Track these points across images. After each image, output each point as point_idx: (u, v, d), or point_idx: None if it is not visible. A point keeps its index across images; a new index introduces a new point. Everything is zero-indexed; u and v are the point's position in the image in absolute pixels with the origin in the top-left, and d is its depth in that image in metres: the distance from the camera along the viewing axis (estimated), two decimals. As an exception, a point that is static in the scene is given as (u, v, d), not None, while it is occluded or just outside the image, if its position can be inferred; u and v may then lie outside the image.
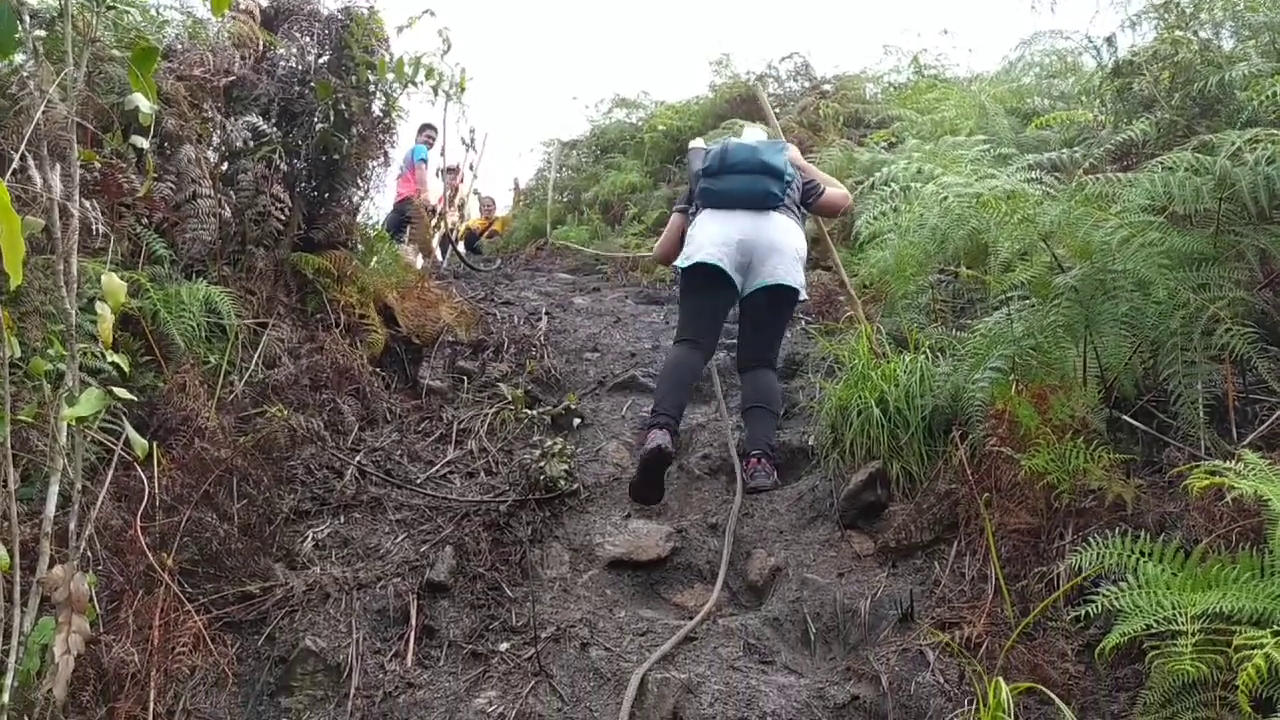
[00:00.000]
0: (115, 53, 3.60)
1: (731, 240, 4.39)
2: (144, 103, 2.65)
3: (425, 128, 11.33)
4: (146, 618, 2.95)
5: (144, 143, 2.75)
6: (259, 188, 4.82)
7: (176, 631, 2.98)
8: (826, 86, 10.91)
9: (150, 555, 3.07)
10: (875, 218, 3.19)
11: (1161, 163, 2.92)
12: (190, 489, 3.52)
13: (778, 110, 10.91)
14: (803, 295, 4.45)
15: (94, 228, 2.67)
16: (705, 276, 4.41)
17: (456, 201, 11.35)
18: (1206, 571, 2.30)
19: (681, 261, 4.53)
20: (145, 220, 4.27)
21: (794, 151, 4.98)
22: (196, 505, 3.46)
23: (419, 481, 4.39)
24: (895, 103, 8.78)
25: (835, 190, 4.95)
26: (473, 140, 10.62)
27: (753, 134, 4.98)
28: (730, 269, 4.37)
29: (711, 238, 4.44)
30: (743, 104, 11.08)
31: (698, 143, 4.93)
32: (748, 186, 4.46)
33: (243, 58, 4.88)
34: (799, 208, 4.70)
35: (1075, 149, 3.94)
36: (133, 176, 4.04)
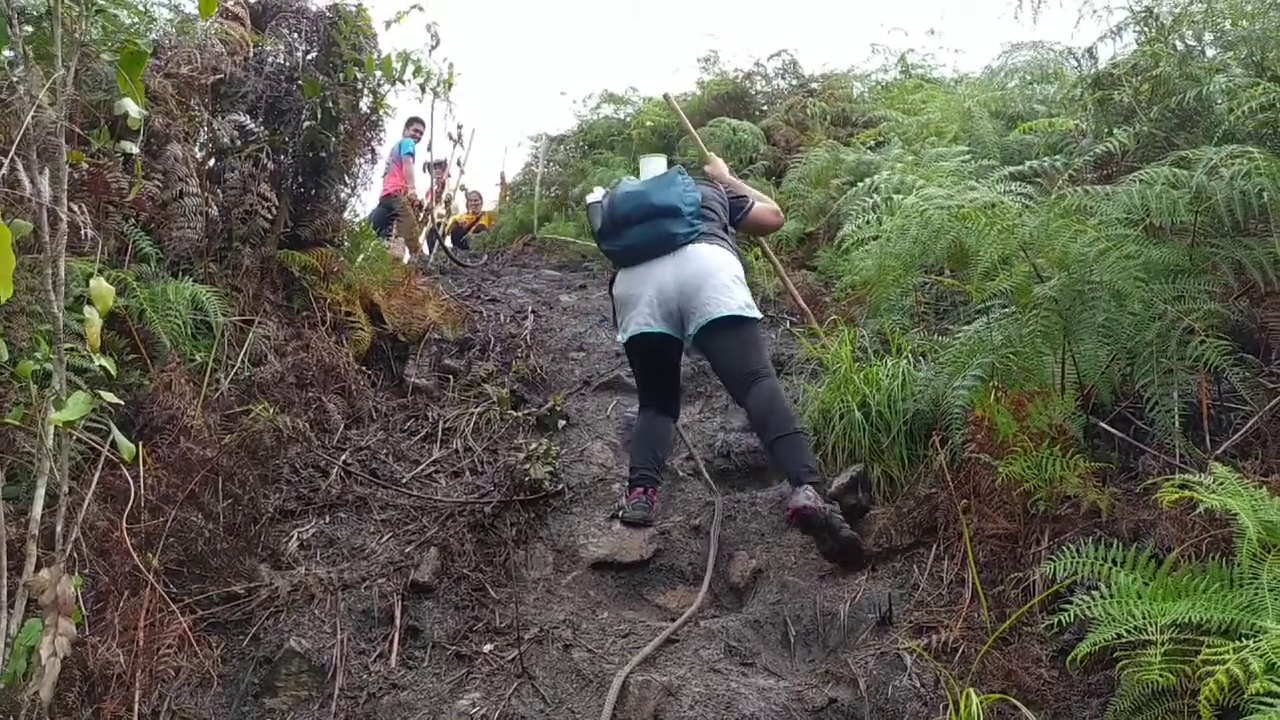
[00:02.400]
0: (105, 56, 3.59)
1: (651, 297, 4.03)
2: (133, 107, 2.67)
3: (412, 122, 11.32)
4: (132, 619, 2.97)
5: (133, 147, 2.76)
6: (246, 186, 4.82)
7: (161, 632, 3.01)
8: (814, 85, 10.93)
9: (136, 556, 3.09)
10: (859, 226, 3.23)
11: (1140, 176, 2.97)
12: (176, 489, 3.54)
13: (765, 107, 10.97)
14: (749, 314, 3.92)
15: (83, 230, 2.67)
16: (638, 345, 4.13)
17: (443, 197, 11.33)
18: (1177, 581, 2.35)
19: (619, 337, 4.23)
20: (132, 218, 4.27)
21: (718, 167, 4.77)
22: (182, 505, 3.48)
23: (404, 481, 4.41)
24: (882, 102, 8.81)
25: (764, 206, 4.61)
26: (460, 135, 10.62)
27: (652, 167, 4.46)
28: (661, 326, 4.03)
29: (632, 301, 4.10)
30: (730, 101, 11.10)
31: (595, 195, 4.44)
32: (646, 236, 4.06)
33: (230, 56, 4.86)
34: (725, 229, 4.28)
35: (1057, 156, 3.98)
36: (120, 175, 4.04)
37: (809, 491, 3.51)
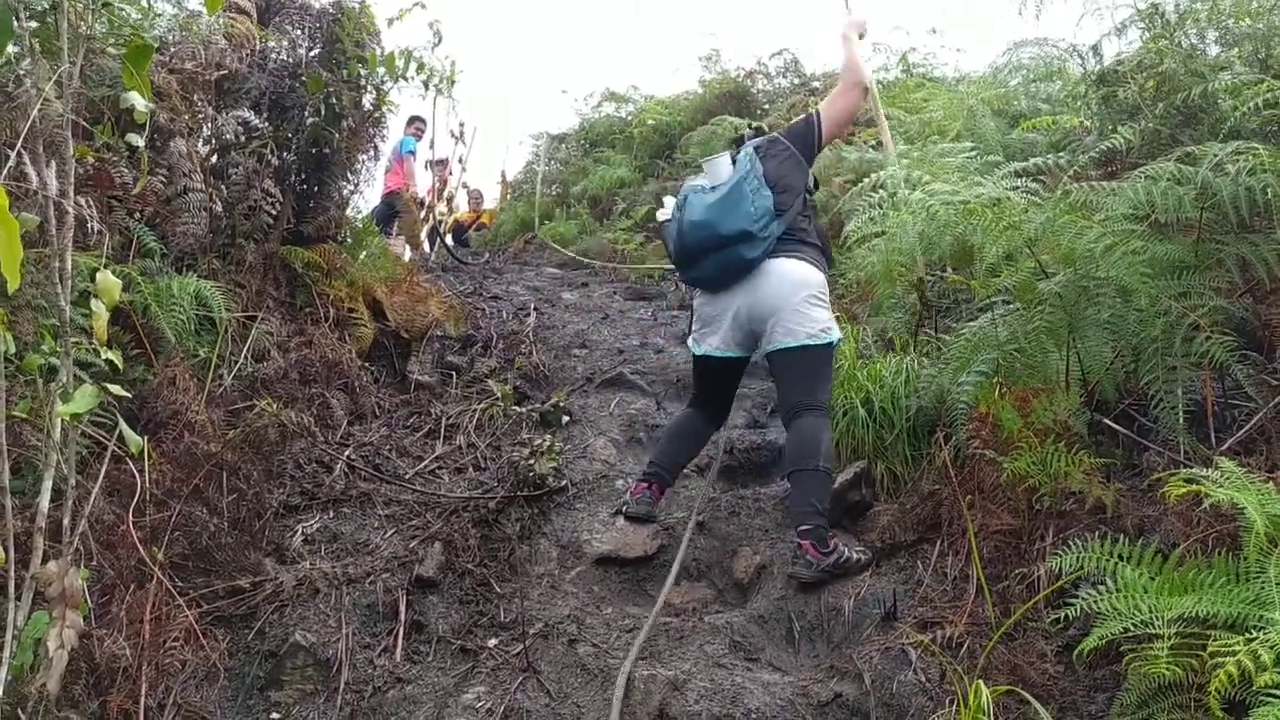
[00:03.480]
0: (111, 50, 3.59)
1: (728, 323, 3.88)
2: (139, 101, 2.67)
3: (414, 120, 11.32)
4: (138, 612, 2.97)
5: (139, 141, 2.76)
6: (250, 181, 4.82)
7: (167, 625, 3.01)
8: (816, 83, 10.95)
9: (142, 550, 3.09)
10: (864, 223, 3.23)
11: (1145, 172, 2.97)
12: (180, 483, 3.54)
13: (766, 106, 10.97)
14: (818, 341, 3.70)
15: (89, 224, 2.68)
16: (707, 362, 4.04)
17: (445, 194, 11.34)
18: (1183, 576, 2.35)
19: (691, 345, 4.11)
20: (136, 214, 4.28)
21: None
22: (187, 500, 3.48)
23: (408, 477, 4.41)
24: (884, 101, 8.80)
25: (831, 100, 4.07)
26: (461, 133, 10.62)
27: (717, 171, 4.04)
28: (734, 350, 3.93)
29: (710, 323, 3.96)
30: (732, 99, 11.11)
31: (665, 211, 4.19)
32: (720, 267, 3.84)
33: (235, 51, 4.87)
34: (801, 208, 3.90)
35: (1061, 154, 3.98)
36: (124, 170, 4.05)
37: (808, 556, 3.47)
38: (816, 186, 4.20)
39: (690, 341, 4.12)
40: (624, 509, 4.02)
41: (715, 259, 3.83)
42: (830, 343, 3.74)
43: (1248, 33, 3.66)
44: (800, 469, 3.61)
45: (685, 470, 4.50)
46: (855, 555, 3.51)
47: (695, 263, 3.91)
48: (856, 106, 4.16)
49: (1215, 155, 2.83)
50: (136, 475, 3.23)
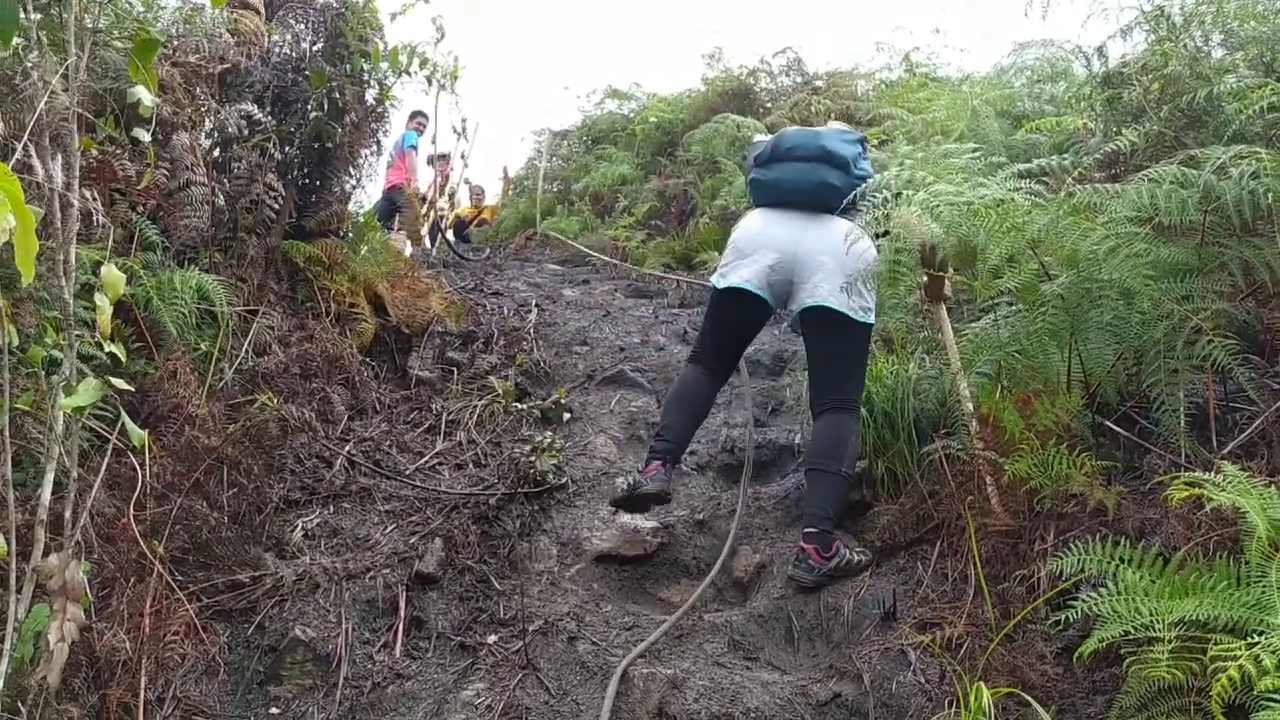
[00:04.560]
0: (117, 44, 3.59)
1: (768, 253, 3.69)
2: (146, 95, 2.66)
3: (416, 114, 11.31)
4: (138, 605, 2.97)
5: (145, 135, 2.76)
6: (252, 175, 4.82)
7: (167, 619, 3.01)
8: (819, 82, 10.95)
9: (142, 543, 3.09)
10: (867, 223, 3.23)
11: (1149, 175, 2.97)
12: (181, 477, 3.55)
13: (769, 104, 10.97)
14: (861, 319, 3.60)
15: (94, 217, 2.68)
16: (733, 299, 3.79)
17: (447, 190, 11.34)
18: (1184, 579, 2.35)
19: (716, 279, 3.91)
20: (139, 207, 4.28)
21: None
22: (187, 493, 3.48)
23: (408, 473, 4.41)
24: (887, 100, 8.81)
25: None
26: (464, 129, 10.61)
27: (836, 125, 4.02)
28: (762, 289, 3.70)
29: (747, 251, 3.76)
30: (735, 98, 11.11)
31: (761, 135, 4.01)
32: (800, 176, 3.63)
33: (239, 46, 4.86)
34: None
35: (1065, 156, 3.97)
36: (127, 163, 4.05)
37: (811, 560, 3.41)
38: None
39: (715, 276, 3.89)
40: (636, 487, 3.67)
41: (798, 168, 3.66)
42: (870, 324, 3.66)
43: (1253, 36, 3.66)
44: (820, 469, 3.54)
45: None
46: (856, 557, 3.51)
47: (776, 165, 3.73)
48: None
49: (1218, 159, 2.83)
50: (137, 469, 3.23)
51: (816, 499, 3.52)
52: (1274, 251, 3.03)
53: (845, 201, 3.58)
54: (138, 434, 2.58)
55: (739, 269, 3.74)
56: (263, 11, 5.14)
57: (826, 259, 3.58)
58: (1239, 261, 3.09)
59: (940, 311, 3.70)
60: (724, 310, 3.87)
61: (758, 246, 3.72)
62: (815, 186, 3.63)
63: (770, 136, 3.97)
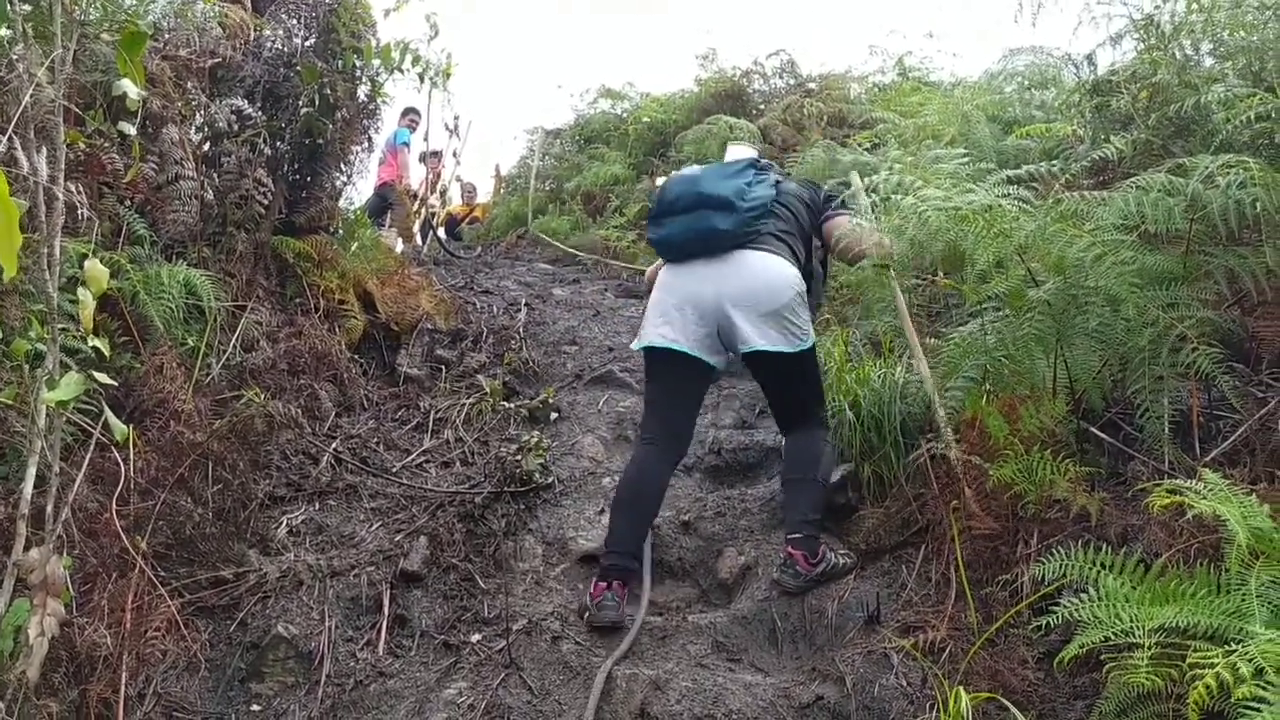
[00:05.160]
0: (105, 37, 3.58)
1: (683, 306, 3.49)
2: (132, 88, 2.66)
3: (408, 111, 11.29)
4: (119, 601, 2.96)
5: (131, 129, 2.75)
6: (242, 170, 4.81)
7: (149, 615, 3.00)
8: (811, 85, 10.96)
9: (125, 538, 3.08)
10: (854, 227, 3.23)
11: (1136, 183, 2.98)
12: (165, 472, 3.53)
13: (762, 106, 10.98)
14: (807, 345, 3.49)
15: (79, 211, 2.67)
16: (663, 360, 3.55)
17: (438, 187, 11.32)
18: (1165, 586, 2.36)
19: (635, 343, 3.71)
20: (126, 201, 4.26)
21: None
22: (171, 489, 3.47)
23: (395, 470, 4.41)
24: (879, 104, 8.83)
25: (860, 225, 3.65)
26: (456, 126, 10.59)
27: (736, 153, 3.93)
28: (688, 346, 3.47)
29: (660, 305, 3.56)
30: (728, 99, 11.12)
31: (661, 179, 3.88)
32: (687, 230, 3.49)
33: (229, 40, 4.85)
34: (806, 238, 3.71)
35: (1054, 162, 3.98)
36: (115, 156, 4.03)
37: (797, 567, 3.38)
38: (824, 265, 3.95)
39: (635, 341, 3.68)
40: (585, 614, 3.38)
41: (684, 221, 3.51)
42: (811, 344, 3.56)
43: (1242, 45, 3.67)
44: (797, 478, 3.55)
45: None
46: (841, 560, 3.51)
47: (662, 221, 3.59)
48: (859, 256, 3.75)
49: (1206, 168, 2.84)
50: (121, 464, 3.22)
51: (798, 505, 3.51)
52: (1258, 260, 3.04)
53: (743, 230, 3.47)
54: (120, 429, 2.57)
55: (659, 327, 3.52)
56: (249, 5, 5.11)
57: (744, 303, 3.42)
58: (1224, 270, 3.10)
59: (903, 312, 3.68)
60: (657, 374, 3.65)
61: (674, 304, 3.52)
62: (703, 235, 3.48)
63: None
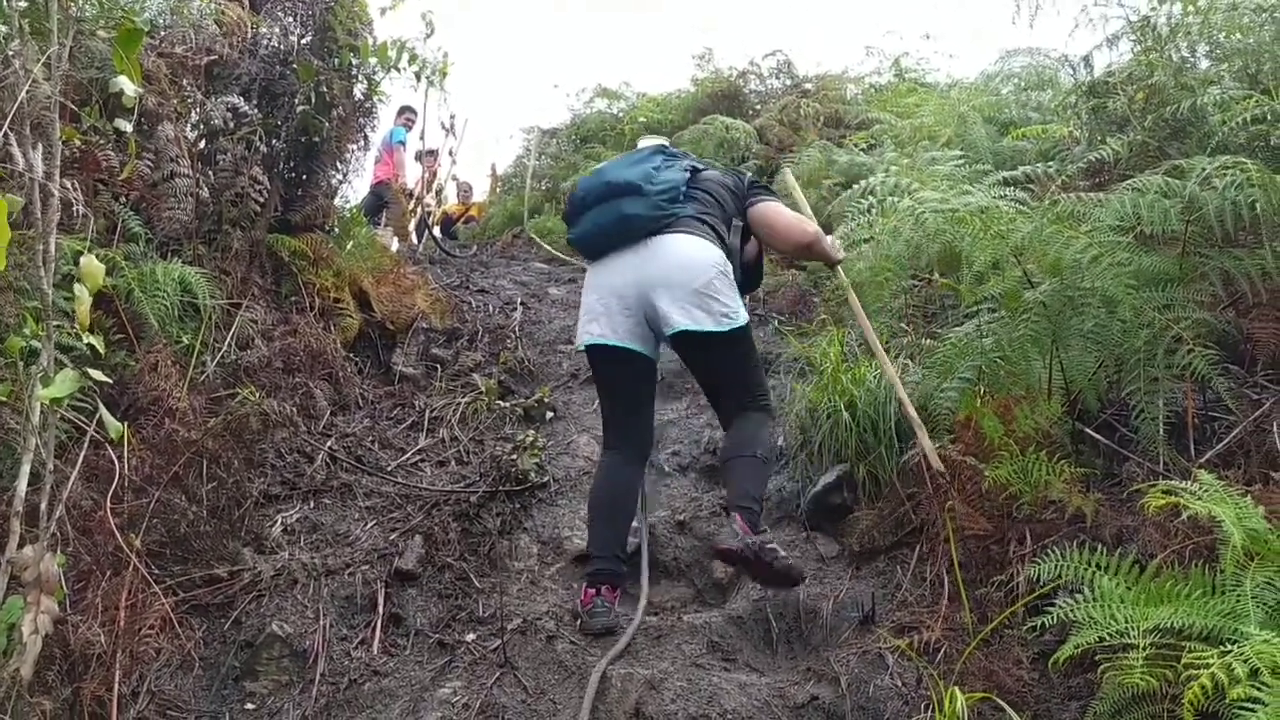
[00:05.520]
0: (101, 34, 3.57)
1: (607, 300, 3.41)
2: (129, 86, 2.65)
3: (404, 110, 11.26)
4: (113, 599, 2.95)
5: (127, 125, 2.74)
6: (238, 168, 4.79)
7: (143, 613, 2.98)
8: (808, 85, 10.95)
9: (119, 536, 3.06)
10: (853, 229, 3.22)
11: (1132, 185, 2.99)
12: (160, 470, 3.52)
13: (759, 106, 10.98)
14: (737, 323, 3.32)
15: (74, 208, 2.66)
16: (602, 358, 3.49)
17: (434, 186, 11.30)
18: (1160, 587, 2.36)
19: (576, 343, 3.73)
20: (122, 198, 4.24)
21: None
22: (166, 487, 3.45)
23: (390, 469, 4.40)
24: (876, 105, 8.85)
25: (786, 210, 3.65)
26: (452, 126, 10.57)
27: (645, 143, 3.84)
28: (620, 339, 3.38)
29: (587, 305, 3.50)
30: (724, 99, 11.11)
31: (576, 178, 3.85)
32: (600, 222, 3.43)
33: (225, 37, 4.84)
34: (727, 221, 3.56)
35: (1050, 163, 4.00)
36: (111, 153, 4.02)
37: (737, 525, 3.17)
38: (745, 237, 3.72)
39: (576, 341, 3.61)
40: (580, 625, 3.34)
41: (596, 213, 3.44)
42: (742, 324, 3.34)
43: (1238, 48, 3.68)
44: (737, 455, 3.35)
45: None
46: (788, 560, 3.25)
47: (577, 217, 3.52)
48: (789, 242, 3.69)
49: (1203, 169, 2.84)
50: (115, 461, 3.21)
51: (738, 484, 3.30)
52: (1254, 262, 3.05)
53: (657, 214, 3.37)
54: (115, 426, 2.57)
55: (587, 325, 3.47)
56: (245, 3, 5.10)
57: (669, 282, 3.30)
58: (1219, 272, 3.11)
59: (857, 308, 3.66)
60: (600, 377, 3.61)
61: (598, 299, 3.45)
62: (618, 223, 3.39)
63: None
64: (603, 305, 3.41)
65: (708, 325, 3.27)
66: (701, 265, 3.32)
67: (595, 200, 3.46)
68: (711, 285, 3.29)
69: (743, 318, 3.35)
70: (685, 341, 3.33)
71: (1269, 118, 3.22)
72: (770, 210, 3.62)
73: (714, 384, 3.51)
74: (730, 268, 3.41)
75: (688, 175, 3.55)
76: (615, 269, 3.41)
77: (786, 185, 3.94)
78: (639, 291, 3.34)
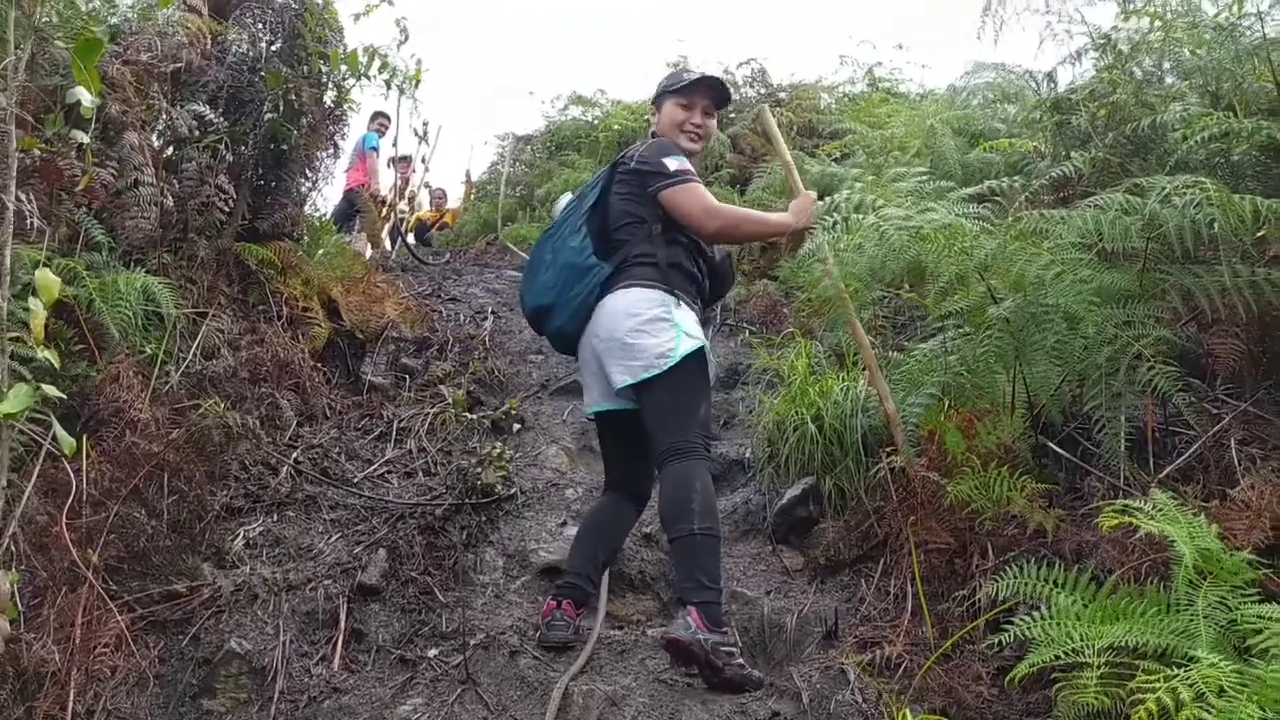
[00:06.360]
0: (60, 43, 3.53)
1: (583, 371, 3.58)
2: (85, 96, 2.63)
3: (378, 115, 11.22)
4: (69, 616, 2.91)
5: (84, 136, 2.71)
6: (203, 177, 4.75)
7: (99, 630, 2.94)
8: (782, 95, 10.99)
9: (75, 552, 3.02)
10: (817, 245, 3.20)
11: (1094, 202, 3.01)
12: (119, 483, 3.47)
13: (733, 115, 11.00)
14: (658, 369, 3.19)
15: (29, 220, 2.63)
16: (599, 422, 3.66)
17: (407, 193, 11.25)
18: (1116, 604, 2.38)
19: None
20: (85, 206, 4.19)
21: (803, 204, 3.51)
22: (125, 500, 3.41)
23: (356, 480, 4.37)
24: (849, 115, 8.88)
25: (691, 193, 3.38)
26: (425, 133, 10.52)
27: (560, 204, 3.79)
28: (602, 402, 3.48)
29: (580, 375, 3.69)
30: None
31: (563, 199, 3.78)
32: (549, 336, 3.66)
33: (192, 45, 4.79)
34: (642, 233, 3.42)
35: (1017, 177, 4.02)
36: (74, 162, 3.97)
37: (690, 618, 2.95)
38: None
39: None
40: (538, 637, 3.33)
41: (542, 329, 3.65)
42: (675, 365, 3.19)
43: (1199, 65, 3.72)
44: (674, 537, 3.14)
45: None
46: (744, 669, 3.01)
47: (541, 328, 3.68)
48: (693, 226, 3.43)
49: (1164, 188, 2.87)
50: (73, 475, 3.17)
51: (685, 568, 3.12)
52: (1213, 279, 3.07)
53: (580, 300, 3.39)
54: (69, 442, 2.54)
55: (585, 394, 3.64)
56: (204, 9, 5.04)
57: (606, 347, 3.33)
58: (1179, 288, 3.13)
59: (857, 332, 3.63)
60: (599, 433, 3.78)
61: (581, 373, 3.64)
62: (557, 337, 3.59)
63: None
64: (583, 377, 3.61)
65: (643, 375, 3.22)
66: (623, 317, 3.29)
67: (534, 321, 3.65)
68: (632, 333, 3.25)
69: (680, 352, 3.21)
70: (631, 393, 3.30)
71: (1228, 135, 3.24)
72: (668, 203, 3.40)
73: (649, 427, 3.31)
74: (652, 305, 3.29)
75: (587, 234, 3.44)
76: (581, 344, 3.47)
77: (765, 126, 3.91)
78: (594, 356, 3.41)
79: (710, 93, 3.62)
